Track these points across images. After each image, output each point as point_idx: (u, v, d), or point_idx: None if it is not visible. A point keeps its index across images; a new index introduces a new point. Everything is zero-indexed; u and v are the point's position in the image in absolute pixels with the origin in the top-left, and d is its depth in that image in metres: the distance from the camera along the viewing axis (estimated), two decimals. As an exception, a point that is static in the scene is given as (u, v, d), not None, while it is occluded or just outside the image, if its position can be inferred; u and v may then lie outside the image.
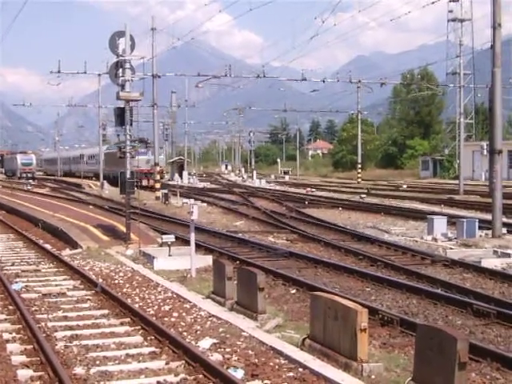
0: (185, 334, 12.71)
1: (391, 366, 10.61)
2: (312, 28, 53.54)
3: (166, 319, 13.87)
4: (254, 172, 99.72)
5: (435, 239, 26.01)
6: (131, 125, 26.01)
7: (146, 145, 61.00)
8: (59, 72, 56.57)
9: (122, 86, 25.48)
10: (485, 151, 63.34)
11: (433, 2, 47.08)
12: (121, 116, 25.78)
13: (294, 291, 17.05)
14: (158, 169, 54.48)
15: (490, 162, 26.88)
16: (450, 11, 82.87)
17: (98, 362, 11.00)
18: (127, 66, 25.67)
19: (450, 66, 79.97)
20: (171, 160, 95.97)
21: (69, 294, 16.81)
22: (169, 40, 55.94)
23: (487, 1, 26.12)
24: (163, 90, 70.61)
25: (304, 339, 11.51)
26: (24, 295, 16.52)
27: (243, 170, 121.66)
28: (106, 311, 14.73)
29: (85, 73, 58.48)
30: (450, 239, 25.80)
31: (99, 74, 64.58)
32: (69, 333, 12.80)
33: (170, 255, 21.74)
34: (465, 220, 26.48)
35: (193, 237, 19.30)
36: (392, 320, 13.14)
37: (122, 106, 25.79)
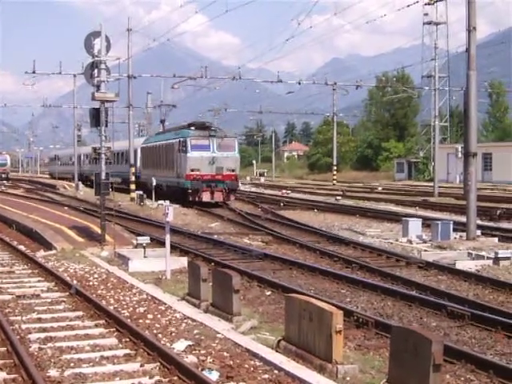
0: (160, 335, 12.67)
1: (366, 367, 10.64)
2: (288, 30, 53.73)
3: (140, 321, 13.82)
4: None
5: (410, 241, 26.11)
6: (106, 126, 25.90)
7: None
8: (34, 72, 56.21)
9: (98, 87, 25.39)
10: (459, 154, 63.67)
11: (408, 5, 47.43)
12: (96, 117, 25.67)
13: (269, 293, 17.04)
14: (132, 170, 54.19)
15: (464, 165, 27.00)
16: (426, 14, 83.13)
17: (72, 364, 10.94)
18: (103, 66, 25.58)
19: (425, 68, 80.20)
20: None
21: (43, 295, 16.71)
22: (144, 41, 55.89)
23: (462, 4, 26.24)
24: (139, 90, 70.49)
25: (279, 341, 11.51)
26: (-3, 297, 16.42)
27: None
28: (80, 313, 14.65)
29: (60, 73, 58.17)
30: (424, 241, 25.91)
31: (74, 75, 64.31)
32: (43, 335, 12.72)
33: (145, 257, 21.69)
34: (439, 222, 26.59)
35: (168, 238, 19.26)
36: (367, 322, 13.17)
37: (98, 106, 25.70)
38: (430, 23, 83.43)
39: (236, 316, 13.42)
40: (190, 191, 43.99)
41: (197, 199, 43.75)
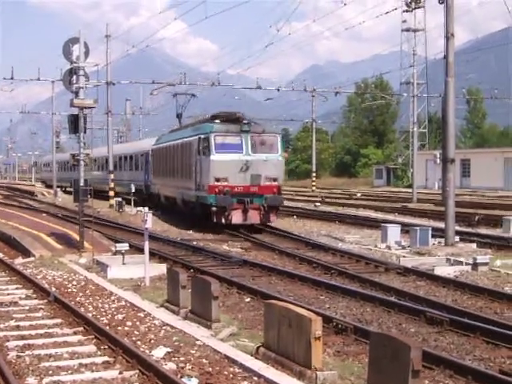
0: (139, 343, 12.63)
1: (345, 373, 10.65)
2: (267, 37, 53.84)
3: (119, 328, 13.77)
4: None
5: (389, 247, 26.18)
6: (85, 132, 25.83)
7: None
8: (12, 78, 56.09)
9: (76, 93, 25.33)
10: (438, 160, 63.81)
11: (386, 12, 47.56)
12: (74, 123, 25.58)
13: (248, 299, 17.03)
14: (112, 176, 54.00)
15: (442, 171, 27.15)
16: (404, 21, 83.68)
17: (50, 372, 10.88)
18: (81, 73, 25.54)
19: (403, 75, 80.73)
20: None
21: (21, 303, 16.62)
22: (123, 47, 55.73)
23: (440, 11, 26.40)
24: (118, 97, 70.34)
25: (258, 347, 11.50)
26: (-25, 304, 16.31)
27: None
28: (59, 320, 14.58)
29: (38, 79, 58.13)
30: (403, 247, 25.99)
31: (53, 81, 64.20)
32: (21, 342, 12.64)
33: (123, 264, 21.62)
34: (418, 228, 26.68)
35: (147, 245, 19.22)
36: (346, 328, 13.18)
37: (76, 113, 25.62)
38: (408, 30, 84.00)
39: (215, 323, 13.40)
40: (214, 209, 32.27)
41: (223, 221, 32.31)
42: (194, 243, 28.50)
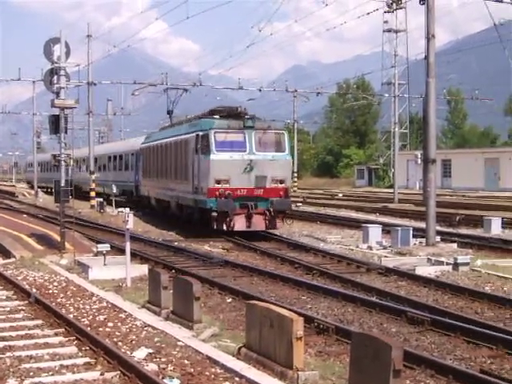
0: (120, 344, 12.59)
1: (327, 374, 10.66)
2: (249, 37, 53.87)
3: (100, 329, 13.72)
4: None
5: (370, 247, 26.25)
6: (66, 132, 25.73)
7: None
8: (-7, 78, 55.86)
9: (57, 94, 25.23)
10: (419, 160, 64.07)
11: (368, 13, 47.70)
12: (55, 123, 25.48)
13: (229, 300, 17.03)
14: (93, 177, 53.84)
15: (423, 171, 27.24)
16: (385, 22, 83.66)
17: (31, 374, 10.82)
18: (62, 73, 25.43)
19: (385, 75, 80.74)
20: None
21: (1, 304, 16.53)
22: (105, 47, 55.63)
23: (422, 12, 26.48)
24: (99, 97, 70.10)
25: (240, 348, 11.50)
26: (-45, 306, 16.22)
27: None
28: (39, 321, 14.51)
29: (19, 79, 57.85)
30: (384, 247, 26.06)
31: (34, 81, 63.92)
32: (1, 344, 12.56)
33: (105, 264, 21.54)
34: (399, 228, 26.76)
35: (128, 246, 19.17)
36: (328, 328, 13.19)
37: (57, 113, 25.52)
38: (389, 31, 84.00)
39: (197, 323, 13.39)
40: (214, 215, 29.48)
41: (225, 227, 29.62)
42: (176, 244, 28.46)
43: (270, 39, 53.48)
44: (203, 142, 30.53)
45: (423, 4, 26.32)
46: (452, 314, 14.41)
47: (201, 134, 30.87)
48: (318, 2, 47.77)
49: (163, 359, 11.53)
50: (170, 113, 45.65)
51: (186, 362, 11.35)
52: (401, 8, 75.28)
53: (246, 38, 56.19)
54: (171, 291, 14.86)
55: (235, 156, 29.87)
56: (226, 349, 11.95)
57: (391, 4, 73.20)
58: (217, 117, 31.81)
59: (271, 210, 29.89)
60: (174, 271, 20.65)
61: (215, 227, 29.58)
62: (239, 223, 29.61)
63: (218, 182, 29.64)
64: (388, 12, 76.43)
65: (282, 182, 30.40)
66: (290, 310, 11.96)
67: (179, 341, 12.59)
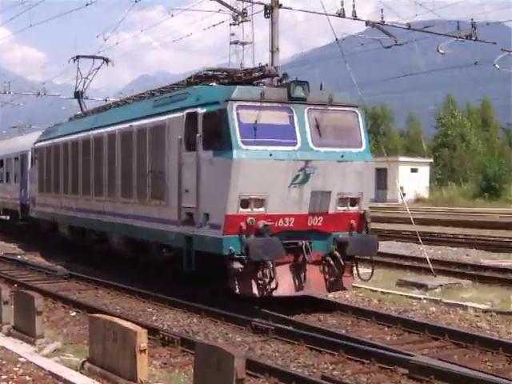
0: (-43, 362, 12.17)
1: (172, 385, 10.66)
2: (94, 46, 53.16)
3: None
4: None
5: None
6: None
7: None
8: None
9: None
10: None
11: (214, 25, 47.95)
12: None
13: (73, 314, 16.77)
14: None
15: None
16: (232, 34, 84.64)
17: None
18: None
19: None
20: None
21: None
22: None
23: (267, 26, 27.00)
24: None
25: (83, 362, 11.33)
26: None
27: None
28: None
29: None
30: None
31: None
32: None
33: None
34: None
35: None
36: (173, 339, 13.18)
37: None
38: (236, 43, 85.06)
39: (39, 338, 13.09)
40: (236, 267, 15.30)
41: (257, 292, 15.64)
42: (19, 257, 27.77)
43: (117, 48, 53.07)
44: (210, 128, 16.25)
45: (268, 18, 26.82)
46: (295, 322, 14.68)
47: (201, 111, 16.45)
48: (165, 13, 47.88)
49: (4, 376, 11.20)
50: (78, 95, 32.34)
51: (27, 378, 11.08)
52: (246, 21, 76.32)
53: (91, 47, 55.51)
54: (12, 306, 14.49)
55: (279, 154, 15.74)
56: (70, 363, 11.74)
57: (237, 17, 74.30)
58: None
59: (337, 255, 16.46)
60: (16, 285, 20.14)
61: (238, 291, 15.73)
62: (286, 282, 15.88)
63: (246, 203, 15.49)
64: (234, 24, 77.31)
65: (355, 202, 16.88)
66: (134, 322, 11.91)
67: (21, 357, 12.27)
